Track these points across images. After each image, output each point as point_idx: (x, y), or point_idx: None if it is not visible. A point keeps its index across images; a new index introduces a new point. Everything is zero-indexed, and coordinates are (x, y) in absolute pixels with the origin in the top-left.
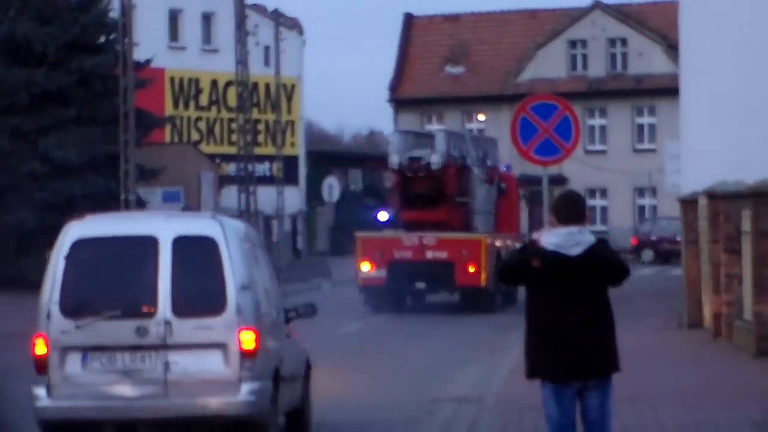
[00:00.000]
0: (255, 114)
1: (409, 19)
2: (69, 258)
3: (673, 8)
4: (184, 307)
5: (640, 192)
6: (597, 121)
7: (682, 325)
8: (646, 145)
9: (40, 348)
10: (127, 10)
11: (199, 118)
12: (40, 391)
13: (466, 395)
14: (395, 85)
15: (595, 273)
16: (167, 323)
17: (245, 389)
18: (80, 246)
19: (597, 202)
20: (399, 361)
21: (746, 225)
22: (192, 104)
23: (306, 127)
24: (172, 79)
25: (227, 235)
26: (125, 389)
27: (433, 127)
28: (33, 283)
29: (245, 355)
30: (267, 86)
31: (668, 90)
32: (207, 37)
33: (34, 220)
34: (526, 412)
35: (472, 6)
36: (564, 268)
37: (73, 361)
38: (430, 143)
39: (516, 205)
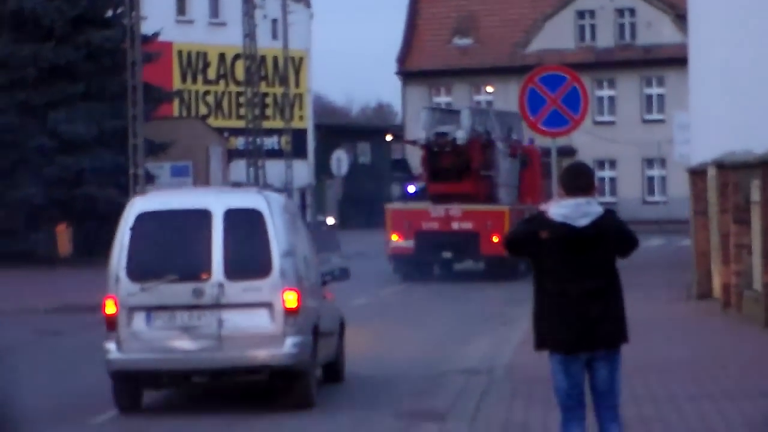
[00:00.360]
0: (263, 87)
1: None
2: (134, 229)
3: None
4: (234, 271)
5: (649, 163)
6: (605, 92)
7: (692, 296)
8: (654, 116)
9: (110, 308)
10: None
11: (207, 92)
12: (111, 346)
13: (476, 367)
14: (403, 58)
15: (603, 244)
16: (220, 285)
17: (289, 342)
18: (143, 218)
19: (606, 173)
20: (408, 336)
21: (755, 195)
22: (200, 78)
23: (314, 100)
24: (179, 53)
25: (271, 208)
26: (184, 343)
27: (441, 99)
28: (42, 258)
29: (288, 312)
30: (275, 59)
31: (677, 60)
32: (214, 10)
33: (42, 195)
34: (535, 383)
35: None
36: (572, 239)
37: (139, 319)
38: (456, 119)
39: (539, 177)
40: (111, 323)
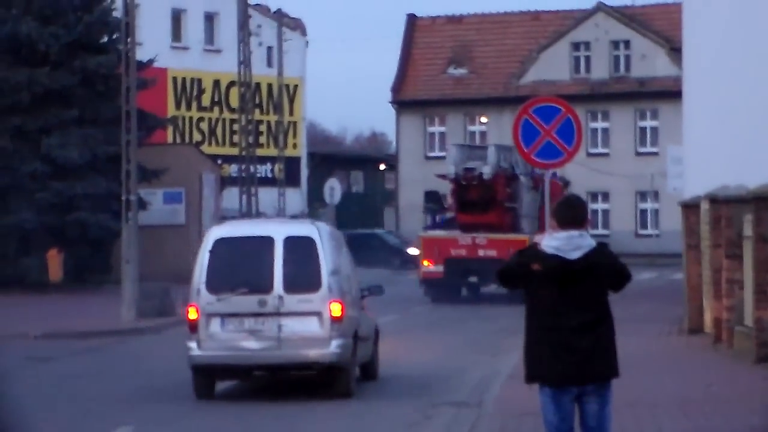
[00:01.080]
0: (257, 115)
1: (412, 20)
2: (212, 252)
3: (677, 10)
4: (291, 286)
5: (642, 196)
6: (599, 124)
7: (683, 331)
8: (648, 149)
9: (192, 314)
10: (130, 10)
11: (201, 119)
12: (192, 345)
13: (465, 400)
14: (398, 87)
15: (595, 277)
16: (280, 297)
17: (334, 344)
18: (220, 243)
19: (599, 205)
20: (396, 368)
21: (748, 230)
22: (194, 105)
23: (308, 128)
24: (174, 80)
25: (321, 235)
26: (250, 344)
27: (435, 128)
28: (33, 284)
29: (334, 320)
30: (269, 87)
31: (671, 93)
32: (210, 37)
33: (34, 220)
34: (525, 417)
35: (475, 7)
36: (564, 272)
37: (215, 324)
38: (483, 155)
39: None
40: (193, 326)
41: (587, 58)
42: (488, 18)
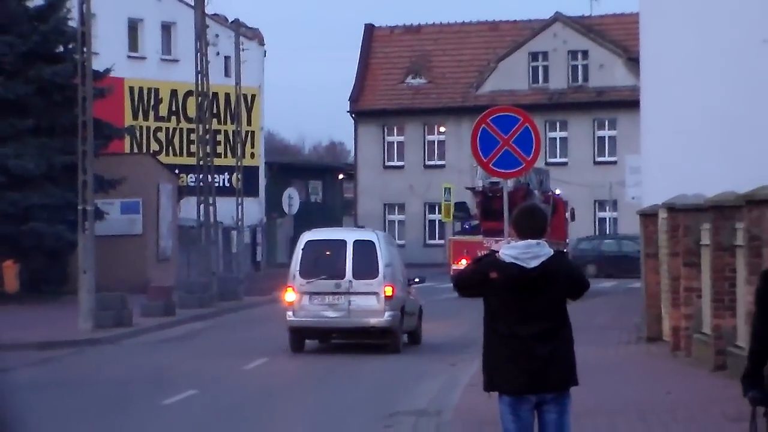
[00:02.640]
0: (214, 125)
1: (370, 30)
2: (303, 250)
3: (634, 21)
4: (358, 274)
5: (601, 205)
6: (558, 134)
7: (642, 339)
8: (606, 158)
9: (290, 294)
10: (86, 19)
11: (158, 129)
12: (290, 314)
13: (425, 408)
14: (356, 97)
15: (552, 286)
16: (350, 282)
17: (387, 315)
18: (309, 243)
19: None
20: (354, 377)
21: (705, 238)
22: (151, 114)
23: (266, 137)
24: (131, 89)
25: (379, 240)
26: (329, 314)
27: (394, 138)
28: None
29: (387, 298)
30: (227, 96)
31: (629, 102)
32: (167, 47)
33: None
34: (484, 426)
35: (433, 17)
36: (521, 280)
37: (305, 299)
38: None
39: (563, 220)
40: (290, 302)
41: (545, 68)
42: (446, 28)
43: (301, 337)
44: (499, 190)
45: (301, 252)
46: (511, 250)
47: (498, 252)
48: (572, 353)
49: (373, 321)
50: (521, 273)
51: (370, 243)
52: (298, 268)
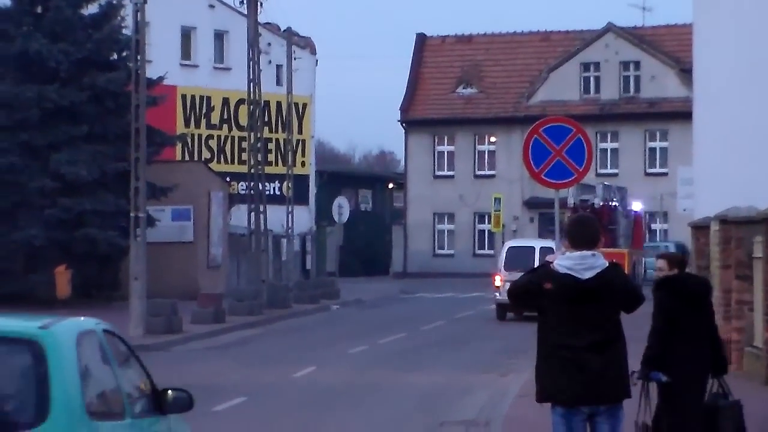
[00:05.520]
0: (266, 133)
1: (421, 40)
2: (507, 252)
3: (687, 32)
4: None
5: (652, 216)
6: (609, 145)
7: None
8: (657, 169)
9: (498, 279)
10: (140, 27)
11: (210, 136)
12: (497, 294)
13: (474, 419)
14: (407, 106)
15: (606, 298)
16: None
17: None
18: (510, 248)
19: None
20: (403, 387)
21: (758, 251)
22: (203, 122)
23: (316, 146)
24: (183, 97)
25: (555, 247)
26: None
27: (444, 148)
28: (41, 300)
29: None
30: (278, 105)
31: (680, 114)
32: (219, 55)
33: (43, 236)
34: None
35: (484, 27)
36: (575, 292)
37: (506, 285)
38: (592, 191)
39: (641, 232)
40: (497, 286)
41: (597, 79)
42: (498, 38)
43: (503, 310)
44: (588, 207)
45: (505, 253)
46: (566, 261)
47: (552, 263)
48: (626, 365)
49: None
50: (575, 284)
51: (549, 249)
52: (503, 264)
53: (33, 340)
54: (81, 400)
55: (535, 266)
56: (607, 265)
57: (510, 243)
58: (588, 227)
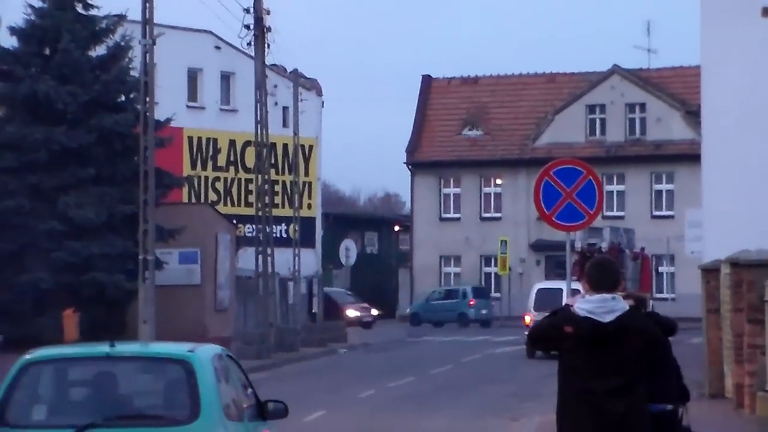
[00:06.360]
0: (272, 175)
1: (427, 81)
2: (537, 294)
3: (692, 74)
4: None
5: (659, 259)
6: (615, 187)
7: (704, 395)
8: (664, 212)
9: (528, 318)
10: (149, 69)
11: (216, 178)
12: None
13: None
14: (413, 148)
15: (627, 341)
16: None
17: None
18: (540, 290)
19: None
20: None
21: None
22: (210, 164)
23: (322, 188)
24: (190, 139)
25: (566, 290)
26: None
27: (450, 190)
28: (48, 343)
29: None
30: (285, 146)
31: (687, 156)
32: (226, 96)
33: (50, 279)
34: None
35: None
36: (596, 335)
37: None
38: (599, 234)
39: (648, 274)
40: (527, 324)
41: (602, 121)
42: (503, 80)
43: (534, 348)
44: (596, 250)
45: (534, 294)
46: (586, 304)
47: (573, 306)
48: (646, 410)
49: None
50: (596, 327)
51: (578, 290)
52: (532, 305)
53: (185, 359)
54: (219, 404)
55: (555, 309)
56: (627, 308)
57: (539, 285)
58: (608, 270)
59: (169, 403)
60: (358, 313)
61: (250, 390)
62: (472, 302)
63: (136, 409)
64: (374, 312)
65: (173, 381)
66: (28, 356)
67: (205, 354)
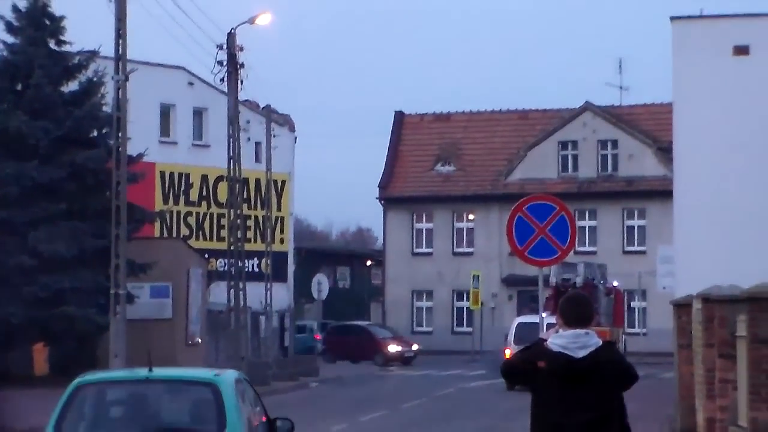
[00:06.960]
0: (244, 210)
1: (400, 117)
2: (516, 327)
3: (664, 111)
4: None
5: (630, 294)
6: (587, 223)
7: (675, 431)
8: (635, 248)
9: (508, 352)
10: (122, 105)
11: (189, 213)
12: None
13: None
14: (385, 183)
15: (600, 376)
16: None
17: None
18: (520, 324)
19: None
20: None
21: (741, 330)
22: (182, 199)
23: (294, 223)
24: (162, 174)
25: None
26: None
27: (423, 225)
28: (18, 377)
29: None
30: (257, 182)
31: (658, 192)
32: (198, 132)
33: (21, 314)
34: None
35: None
36: (569, 370)
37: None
38: (573, 269)
39: (621, 309)
40: (508, 357)
41: (575, 157)
42: (476, 116)
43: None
44: (570, 285)
45: (514, 328)
46: (559, 339)
47: (546, 341)
48: None
49: None
50: (569, 362)
51: (554, 324)
52: (512, 339)
53: (212, 382)
54: (241, 421)
55: (529, 344)
56: (601, 343)
57: (519, 319)
58: (582, 305)
59: (198, 420)
60: (399, 348)
61: (259, 408)
62: None
63: (170, 425)
64: (415, 347)
65: (202, 401)
66: (79, 379)
67: (229, 378)
